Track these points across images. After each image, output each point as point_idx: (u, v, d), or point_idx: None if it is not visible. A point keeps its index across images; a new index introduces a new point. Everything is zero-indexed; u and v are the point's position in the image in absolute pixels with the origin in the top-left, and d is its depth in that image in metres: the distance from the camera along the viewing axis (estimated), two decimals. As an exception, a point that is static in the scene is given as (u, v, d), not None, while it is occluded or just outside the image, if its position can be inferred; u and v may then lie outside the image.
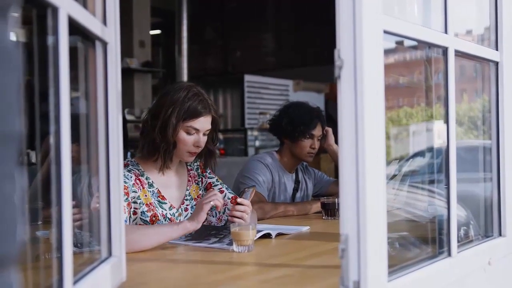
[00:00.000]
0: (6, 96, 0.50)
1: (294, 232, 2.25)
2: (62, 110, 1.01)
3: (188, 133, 2.18)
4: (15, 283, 0.53)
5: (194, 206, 2.28)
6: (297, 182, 3.13)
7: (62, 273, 1.00)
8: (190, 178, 2.36)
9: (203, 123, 2.20)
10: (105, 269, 1.28)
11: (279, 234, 2.17)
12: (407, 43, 1.55)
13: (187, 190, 2.33)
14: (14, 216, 0.52)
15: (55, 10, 0.99)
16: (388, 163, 1.28)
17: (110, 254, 1.37)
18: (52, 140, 1.01)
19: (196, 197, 2.34)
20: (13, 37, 0.53)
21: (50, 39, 1.01)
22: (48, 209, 1.11)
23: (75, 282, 1.08)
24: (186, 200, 2.31)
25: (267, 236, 2.09)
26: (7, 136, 0.51)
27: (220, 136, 7.52)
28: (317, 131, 3.00)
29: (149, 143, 2.19)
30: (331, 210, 2.63)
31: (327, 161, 6.50)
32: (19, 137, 0.53)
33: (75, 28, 1.11)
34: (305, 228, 2.34)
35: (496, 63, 1.81)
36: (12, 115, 0.52)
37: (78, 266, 1.19)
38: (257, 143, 7.39)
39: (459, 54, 1.57)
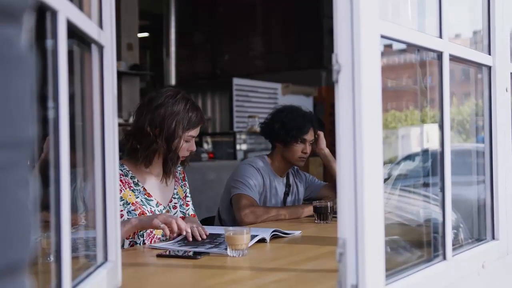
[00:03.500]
0: (22, 102, 0.50)
1: (288, 235, 2.25)
2: (61, 114, 1.00)
3: (187, 141, 2.30)
4: (28, 288, 0.53)
5: (182, 205, 2.41)
6: (288, 186, 3.13)
7: (60, 278, 0.99)
8: (176, 179, 2.46)
9: (198, 130, 2.34)
10: (102, 274, 1.28)
11: (274, 237, 2.17)
12: (395, 46, 1.56)
13: (175, 189, 2.42)
14: (28, 222, 0.52)
15: (54, 13, 0.98)
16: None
17: (106, 259, 1.36)
18: (51, 143, 1.00)
19: (182, 197, 2.45)
20: (26, 42, 0.53)
21: (48, 43, 1.00)
22: (41, 213, 1.10)
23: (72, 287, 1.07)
24: (174, 198, 2.40)
25: (261, 240, 2.09)
26: (21, 142, 0.50)
27: (209, 139, 7.51)
28: (309, 136, 3.00)
29: (153, 153, 2.26)
30: (323, 214, 2.63)
31: (315, 164, 6.52)
32: (31, 143, 0.53)
33: (71, 31, 1.10)
34: (297, 232, 2.34)
35: (489, 68, 1.82)
36: (27, 121, 0.51)
37: (74, 271, 1.18)
38: (246, 147, 7.38)
39: (453, 58, 1.58)
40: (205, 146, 7.30)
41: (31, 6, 0.53)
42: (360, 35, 1.16)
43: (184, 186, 2.50)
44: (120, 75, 7.41)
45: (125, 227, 1.99)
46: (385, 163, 2.06)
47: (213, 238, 2.12)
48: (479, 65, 1.83)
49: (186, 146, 2.29)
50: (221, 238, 2.10)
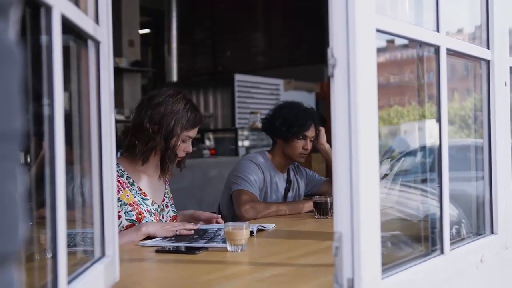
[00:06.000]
0: (9, 95, 0.50)
1: (267, 229, 2.31)
2: (56, 110, 1.00)
3: (183, 141, 2.31)
4: (16, 281, 0.53)
5: (172, 205, 2.47)
6: (288, 181, 3.13)
7: (56, 273, 0.99)
8: (166, 180, 2.49)
9: (196, 131, 2.37)
10: (99, 269, 1.28)
11: (259, 230, 2.23)
12: (398, 42, 1.56)
13: (166, 189, 2.46)
14: (17, 214, 0.52)
15: (48, 9, 0.98)
16: (380, 162, 1.28)
17: (103, 254, 1.36)
18: (45, 140, 1.00)
19: (171, 197, 2.49)
20: (14, 36, 0.53)
21: (43, 38, 1.01)
22: (40, 209, 1.11)
23: (69, 282, 1.08)
24: (166, 197, 2.44)
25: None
26: (10, 134, 0.51)
27: (211, 136, 7.52)
28: (311, 132, 3.00)
29: (151, 150, 2.27)
30: (323, 209, 2.63)
31: (318, 160, 6.51)
32: (19, 135, 0.53)
33: (67, 27, 1.10)
34: (271, 226, 2.37)
35: (488, 62, 1.82)
36: (15, 113, 0.52)
37: (71, 266, 1.19)
38: (248, 143, 7.38)
39: (450, 52, 1.58)
40: (207, 142, 7.30)
41: (19, 0, 0.54)
42: (356, 29, 1.16)
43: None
44: (121, 71, 7.41)
45: (137, 235, 2.08)
46: (387, 158, 2.06)
47: (202, 234, 2.13)
48: (477, 59, 1.82)
49: (183, 146, 2.31)
50: (210, 233, 2.14)
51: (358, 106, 1.16)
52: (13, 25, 0.53)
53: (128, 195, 2.25)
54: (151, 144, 2.26)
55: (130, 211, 2.22)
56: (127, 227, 2.19)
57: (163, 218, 2.36)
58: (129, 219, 2.21)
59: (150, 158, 2.30)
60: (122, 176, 2.27)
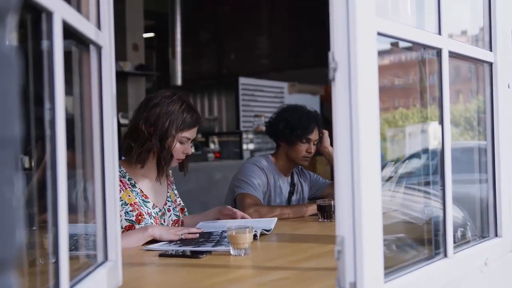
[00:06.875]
0: (6, 101, 0.51)
1: (269, 224, 2.32)
2: (57, 115, 1.00)
3: (181, 142, 2.31)
4: (14, 286, 0.54)
5: (175, 208, 2.45)
6: (292, 185, 3.13)
7: (58, 277, 1.00)
8: (169, 183, 2.49)
9: (194, 132, 2.35)
10: (101, 274, 1.28)
11: (262, 234, 2.22)
12: (402, 44, 1.56)
13: (168, 192, 2.46)
14: (14, 219, 0.52)
15: (49, 14, 0.99)
16: (384, 164, 1.28)
17: (106, 258, 1.36)
18: (47, 145, 1.00)
19: (174, 200, 2.48)
20: (11, 41, 0.54)
21: (44, 43, 1.01)
22: (43, 214, 1.11)
23: (71, 287, 1.08)
24: (168, 201, 2.44)
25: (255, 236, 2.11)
26: (6, 140, 0.51)
27: (215, 139, 7.52)
28: (314, 136, 3.00)
29: (147, 151, 2.27)
30: (327, 212, 2.63)
31: (322, 163, 6.50)
32: (17, 141, 0.53)
33: (69, 32, 1.10)
34: (274, 221, 2.39)
35: (490, 64, 1.81)
36: (12, 119, 0.52)
37: (74, 270, 1.19)
38: (253, 146, 7.38)
39: (453, 55, 1.57)
40: (212, 145, 7.30)
41: (15, 7, 0.54)
42: (356, 33, 1.16)
43: (174, 190, 2.53)
44: (125, 75, 7.41)
45: (143, 236, 2.07)
46: (391, 161, 2.05)
47: (208, 237, 2.13)
48: (480, 62, 1.82)
49: (181, 148, 2.30)
50: (215, 236, 2.12)
51: (359, 110, 1.15)
52: (11, 32, 0.53)
53: (129, 195, 2.25)
54: (147, 146, 2.25)
55: (130, 211, 2.22)
56: (126, 228, 2.19)
57: (164, 222, 2.36)
58: (128, 219, 2.21)
59: (148, 161, 2.30)
60: (124, 177, 2.28)
